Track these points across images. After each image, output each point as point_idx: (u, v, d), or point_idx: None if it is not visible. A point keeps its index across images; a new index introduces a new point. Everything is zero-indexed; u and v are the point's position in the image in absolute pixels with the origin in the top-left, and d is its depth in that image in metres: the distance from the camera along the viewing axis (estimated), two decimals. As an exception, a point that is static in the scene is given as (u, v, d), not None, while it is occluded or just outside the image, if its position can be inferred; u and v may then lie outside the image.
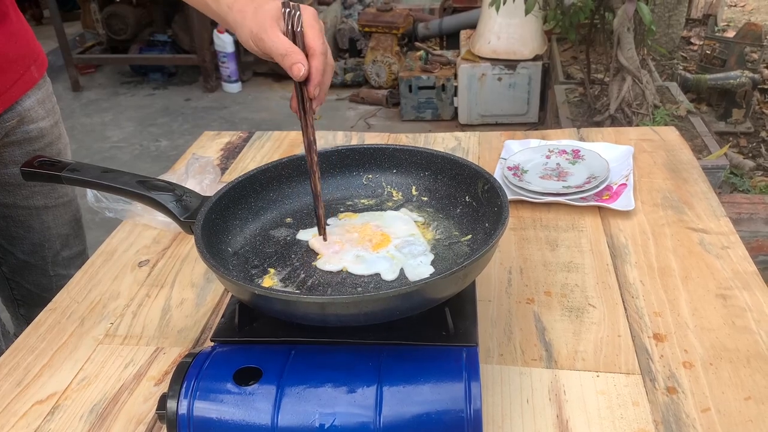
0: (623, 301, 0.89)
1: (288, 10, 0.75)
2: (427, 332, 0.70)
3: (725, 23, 4.51)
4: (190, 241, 1.03)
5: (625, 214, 1.07)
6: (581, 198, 1.10)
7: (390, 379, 0.65)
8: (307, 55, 0.75)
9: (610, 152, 1.22)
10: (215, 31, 4.38)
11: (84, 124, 4.15)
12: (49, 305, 0.96)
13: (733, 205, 2.00)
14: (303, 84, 0.76)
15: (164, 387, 0.78)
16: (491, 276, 0.95)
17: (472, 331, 0.70)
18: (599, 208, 1.09)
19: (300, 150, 1.37)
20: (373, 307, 0.65)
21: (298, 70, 0.73)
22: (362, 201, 0.92)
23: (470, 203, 0.85)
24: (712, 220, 1.04)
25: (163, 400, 0.67)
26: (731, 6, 4.93)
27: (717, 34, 3.88)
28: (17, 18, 1.12)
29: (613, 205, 1.07)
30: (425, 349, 0.68)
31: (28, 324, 0.92)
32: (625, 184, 1.12)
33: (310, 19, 0.76)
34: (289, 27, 0.75)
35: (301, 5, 0.76)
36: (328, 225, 0.84)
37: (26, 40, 1.15)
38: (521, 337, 0.84)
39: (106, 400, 0.79)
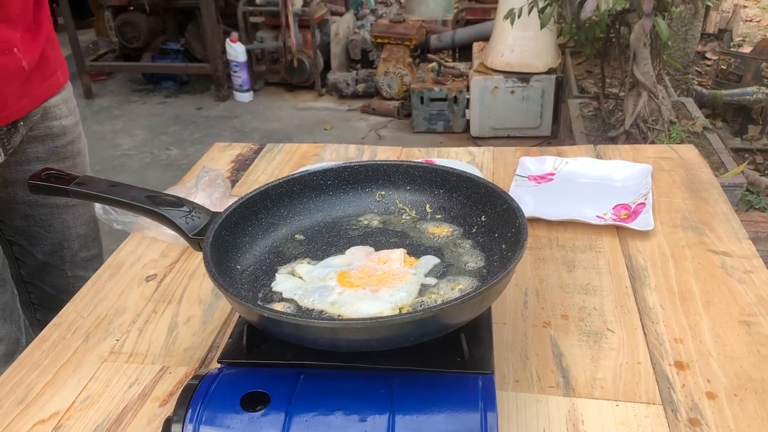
0: (643, 327, 0.86)
1: None
2: (441, 358, 0.68)
3: (740, 38, 4.48)
4: (199, 255, 1.01)
5: (643, 234, 1.04)
6: (598, 216, 1.07)
7: (402, 407, 0.62)
8: None
9: (627, 170, 1.19)
10: (227, 40, 4.39)
11: (95, 132, 4.16)
12: (54, 320, 0.94)
13: (751, 223, 1.96)
14: None
15: (169, 408, 0.76)
16: (507, 297, 0.92)
17: (488, 357, 0.68)
18: (617, 227, 1.06)
19: (311, 162, 1.35)
20: (386, 333, 0.63)
21: None
22: (374, 218, 0.89)
23: (486, 223, 0.82)
24: (734, 242, 1.01)
25: (167, 424, 0.65)
26: (747, 21, 4.90)
27: (732, 49, 3.84)
28: (51, 26, 1.18)
29: (632, 225, 1.05)
30: (439, 376, 0.66)
31: None
32: (643, 203, 1.09)
33: None
34: None
35: None
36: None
37: (56, 46, 1.21)
38: (537, 363, 0.81)
39: (109, 420, 0.76)
